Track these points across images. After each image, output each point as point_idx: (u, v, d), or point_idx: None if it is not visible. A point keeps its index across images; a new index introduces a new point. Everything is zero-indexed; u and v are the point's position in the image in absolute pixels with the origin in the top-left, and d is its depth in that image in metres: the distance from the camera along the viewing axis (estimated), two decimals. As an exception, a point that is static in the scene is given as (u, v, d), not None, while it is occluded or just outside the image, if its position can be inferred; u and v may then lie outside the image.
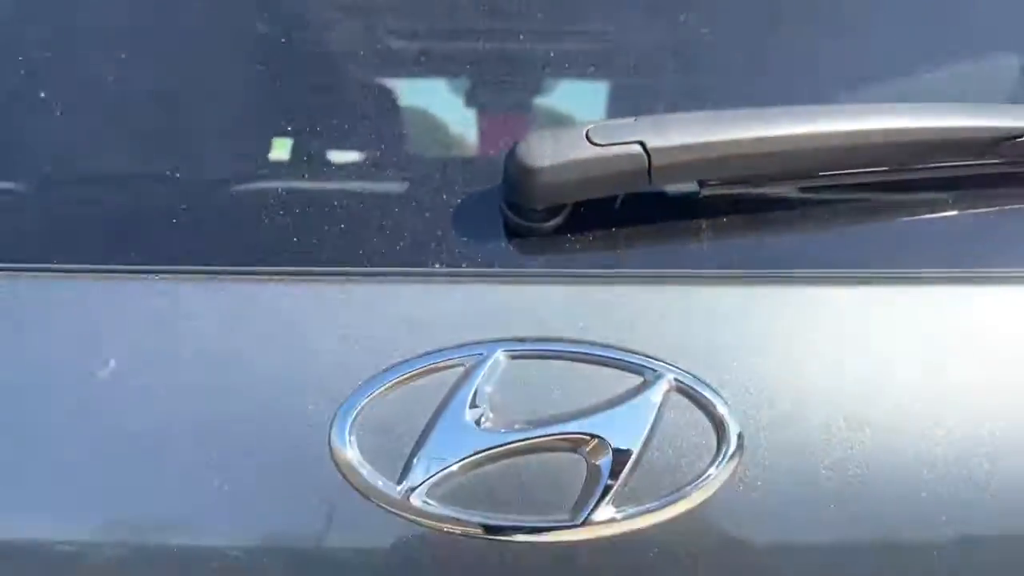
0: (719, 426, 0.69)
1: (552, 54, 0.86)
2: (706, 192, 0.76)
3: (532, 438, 0.67)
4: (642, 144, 0.70)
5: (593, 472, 0.67)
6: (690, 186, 0.76)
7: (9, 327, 0.71)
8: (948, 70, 0.91)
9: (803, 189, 0.77)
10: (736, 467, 0.68)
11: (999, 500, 0.70)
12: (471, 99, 0.85)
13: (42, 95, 0.82)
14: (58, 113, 0.83)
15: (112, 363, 0.70)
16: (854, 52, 0.90)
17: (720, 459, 0.68)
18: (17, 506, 0.69)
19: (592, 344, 0.70)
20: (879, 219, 0.78)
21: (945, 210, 0.78)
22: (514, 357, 0.69)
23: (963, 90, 0.90)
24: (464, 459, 0.67)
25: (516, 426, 0.67)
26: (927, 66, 0.91)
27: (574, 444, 0.67)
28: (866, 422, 0.70)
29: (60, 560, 0.69)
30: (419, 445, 0.67)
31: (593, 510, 0.66)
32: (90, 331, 0.70)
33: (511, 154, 0.71)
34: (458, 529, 0.66)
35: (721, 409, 0.69)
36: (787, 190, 0.77)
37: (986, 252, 0.77)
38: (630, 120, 0.73)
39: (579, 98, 0.84)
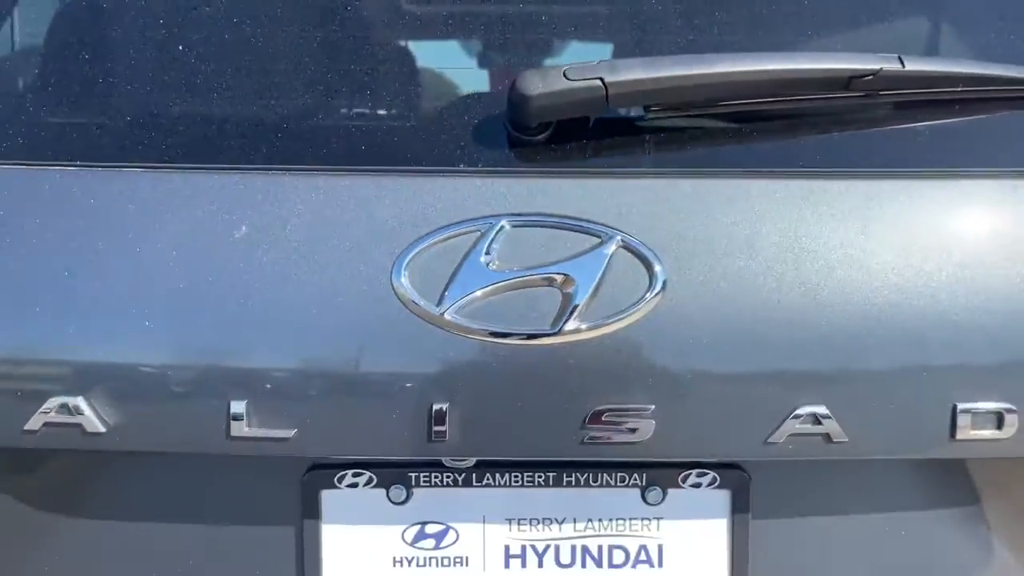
0: (651, 272, 1.02)
1: (544, 18, 1.18)
2: (650, 115, 1.08)
3: (525, 276, 1.01)
4: (601, 79, 1.02)
5: (564, 299, 1.01)
6: (638, 110, 1.09)
7: (174, 208, 1.05)
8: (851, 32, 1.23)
9: (714, 115, 1.08)
10: (660, 300, 1.01)
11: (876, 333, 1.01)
12: (486, 55, 1.18)
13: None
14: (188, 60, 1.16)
15: (243, 228, 1.04)
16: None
17: (649, 294, 1.01)
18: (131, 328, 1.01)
19: (566, 216, 1.03)
20: (770, 134, 1.10)
21: (817, 127, 1.10)
22: (514, 225, 1.03)
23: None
24: (480, 289, 1.00)
25: (514, 268, 1.01)
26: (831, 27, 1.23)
27: (551, 280, 1.01)
28: (768, 276, 1.03)
29: (158, 377, 1.00)
30: (451, 280, 1.00)
31: (564, 323, 1.00)
32: (230, 209, 1.04)
33: (512, 87, 1.03)
34: (476, 335, 1.00)
35: (652, 261, 1.02)
36: (706, 113, 1.08)
37: (844, 155, 1.09)
38: (595, 63, 1.05)
39: (568, 55, 1.17)
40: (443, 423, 1.01)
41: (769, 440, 1.02)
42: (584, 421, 1.01)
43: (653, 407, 1.01)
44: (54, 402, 1.01)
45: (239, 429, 1.01)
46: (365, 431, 1.02)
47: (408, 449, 1.02)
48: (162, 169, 1.05)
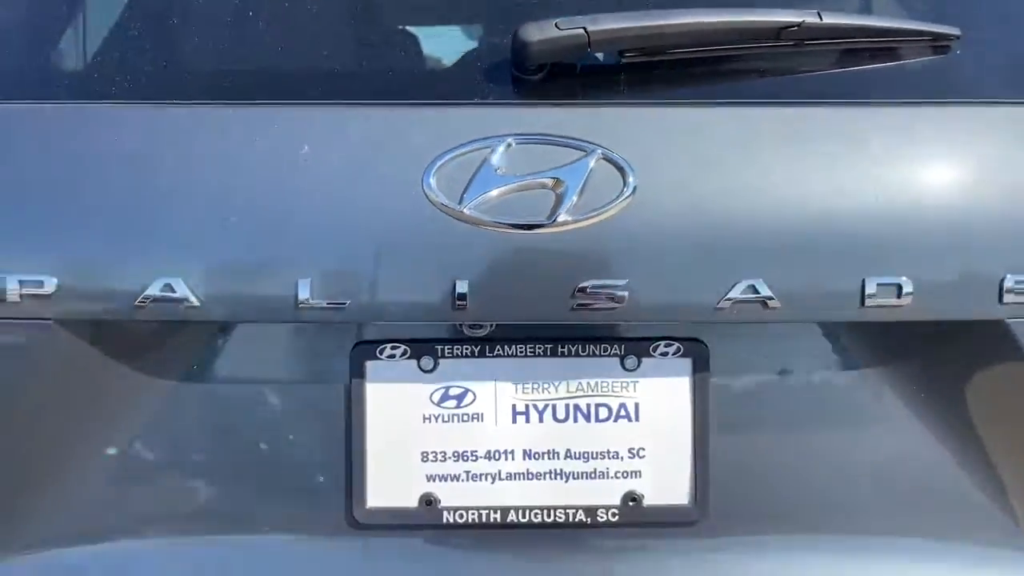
0: (625, 178, 1.30)
1: None
2: (624, 57, 1.37)
3: (526, 180, 1.29)
4: (584, 29, 1.31)
5: (557, 198, 1.29)
6: (615, 54, 1.37)
7: (252, 132, 1.33)
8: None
9: (676, 57, 1.36)
10: (632, 200, 1.29)
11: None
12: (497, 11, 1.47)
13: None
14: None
15: (306, 147, 1.32)
16: None
17: (623, 195, 1.29)
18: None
19: (558, 135, 1.31)
20: (719, 72, 1.39)
21: (756, 67, 1.39)
22: (518, 143, 1.31)
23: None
24: (492, 190, 1.28)
25: (517, 174, 1.29)
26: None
27: (547, 184, 1.29)
28: (716, 181, 1.30)
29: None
30: (469, 183, 1.28)
31: (557, 216, 1.28)
32: (297, 133, 1.32)
33: (514, 36, 1.32)
34: (489, 226, 1.28)
35: (626, 169, 1.30)
36: (669, 55, 1.36)
37: (776, 89, 1.38)
38: (580, 16, 1.33)
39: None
40: (464, 295, 1.29)
41: (718, 306, 1.29)
42: (573, 292, 1.29)
43: (626, 281, 1.29)
44: (159, 282, 1.30)
45: (304, 301, 1.29)
46: (402, 302, 1.30)
47: (436, 316, 1.30)
48: (244, 104, 1.35)
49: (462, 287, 1.28)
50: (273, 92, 1.37)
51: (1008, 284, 1.30)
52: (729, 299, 1.29)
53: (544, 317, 1.31)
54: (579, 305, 1.29)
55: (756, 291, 1.29)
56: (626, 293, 1.29)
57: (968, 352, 1.35)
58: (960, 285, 1.31)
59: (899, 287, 1.30)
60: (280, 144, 1.32)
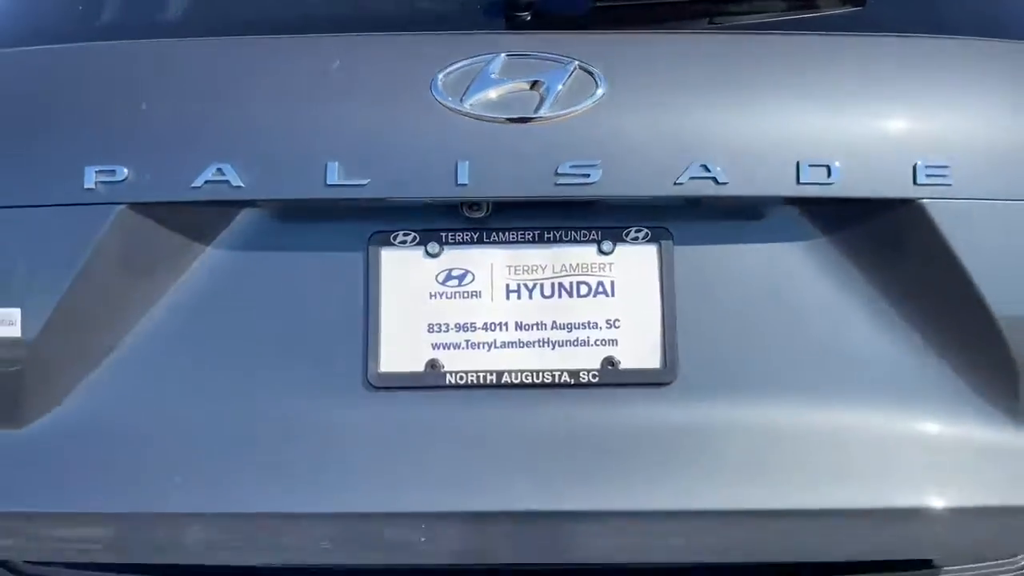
0: (596, 83, 1.58)
1: None
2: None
3: (516, 83, 1.57)
4: (573, -31, 1.64)
5: (541, 96, 1.57)
6: (593, -6, 1.69)
7: (293, 54, 1.63)
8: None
9: (636, 4, 1.68)
10: (600, 99, 1.57)
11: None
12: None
13: None
14: None
15: (337, 62, 1.61)
16: None
17: (595, 96, 1.57)
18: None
19: (542, 51, 1.60)
20: (676, 11, 1.69)
21: (710, 10, 1.70)
22: (509, 57, 1.60)
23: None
24: (488, 90, 1.57)
25: (510, 79, 1.58)
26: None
27: (531, 86, 1.57)
28: (670, 82, 1.58)
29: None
30: (469, 86, 1.57)
31: (540, 110, 1.56)
32: (332, 53, 1.62)
33: (519, -24, 1.65)
34: (486, 119, 1.55)
35: (597, 77, 1.58)
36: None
37: (727, 21, 1.68)
38: (560, -37, 1.66)
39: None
40: (465, 174, 1.55)
41: (677, 182, 1.54)
42: (555, 170, 1.55)
43: (599, 161, 1.55)
44: (212, 167, 1.56)
45: (332, 179, 1.55)
46: (414, 180, 1.56)
47: (442, 192, 1.55)
48: (290, 37, 1.67)
49: (463, 167, 1.55)
50: (312, 26, 1.68)
51: (919, 169, 1.56)
52: (686, 175, 1.55)
53: (531, 192, 1.56)
54: (560, 183, 1.55)
55: (708, 170, 1.55)
56: (600, 172, 1.55)
57: (893, 229, 1.59)
58: (880, 168, 1.56)
59: (828, 168, 1.55)
60: (318, 62, 1.62)
